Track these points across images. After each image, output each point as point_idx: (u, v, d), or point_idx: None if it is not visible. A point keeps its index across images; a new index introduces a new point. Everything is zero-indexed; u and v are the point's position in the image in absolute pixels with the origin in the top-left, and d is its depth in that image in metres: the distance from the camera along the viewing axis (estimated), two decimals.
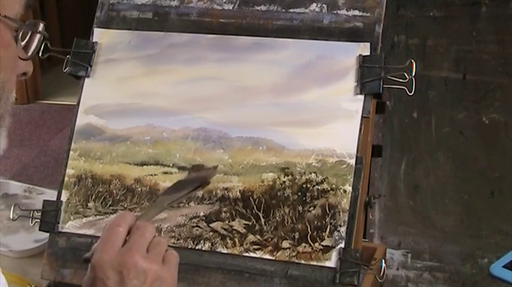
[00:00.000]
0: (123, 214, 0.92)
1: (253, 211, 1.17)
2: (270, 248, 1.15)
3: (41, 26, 0.83)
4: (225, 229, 1.17)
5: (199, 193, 1.19)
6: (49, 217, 1.25)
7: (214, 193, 1.19)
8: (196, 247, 1.18)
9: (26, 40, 0.82)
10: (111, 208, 1.23)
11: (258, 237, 1.16)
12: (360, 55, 1.19)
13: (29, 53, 0.83)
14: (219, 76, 1.24)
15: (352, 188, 1.14)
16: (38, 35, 0.83)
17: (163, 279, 0.87)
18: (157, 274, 0.86)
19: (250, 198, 1.17)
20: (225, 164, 1.20)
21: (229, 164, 1.20)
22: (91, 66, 1.29)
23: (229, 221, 1.17)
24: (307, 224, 1.14)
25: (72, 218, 1.24)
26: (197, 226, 1.18)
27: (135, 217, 0.91)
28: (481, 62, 2.10)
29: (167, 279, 0.87)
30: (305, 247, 1.14)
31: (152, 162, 1.23)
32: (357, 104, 1.17)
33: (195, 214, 1.19)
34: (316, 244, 1.13)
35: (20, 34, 0.80)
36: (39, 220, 1.26)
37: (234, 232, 1.17)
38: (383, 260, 1.18)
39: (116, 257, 0.86)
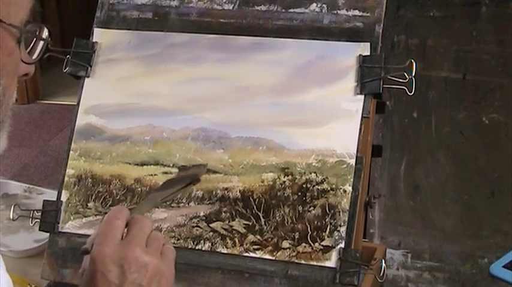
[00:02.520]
0: (119, 208, 0.93)
1: (253, 211, 1.17)
2: (270, 248, 1.15)
3: (44, 32, 0.84)
4: (225, 229, 1.17)
5: (200, 193, 1.19)
6: (49, 217, 1.25)
7: (214, 193, 1.19)
8: (196, 247, 1.17)
9: (29, 44, 0.82)
10: (111, 208, 1.22)
11: (258, 237, 1.16)
12: (360, 55, 1.19)
13: (33, 58, 0.83)
14: (219, 76, 1.24)
15: (352, 188, 1.14)
16: (42, 41, 0.83)
17: (163, 273, 0.87)
18: (157, 267, 0.87)
19: (250, 198, 1.17)
20: (225, 164, 1.20)
21: (229, 164, 1.20)
22: (91, 66, 1.29)
23: (229, 221, 1.17)
24: (307, 224, 1.14)
25: (72, 218, 1.24)
26: (197, 226, 1.18)
27: (129, 211, 0.92)
28: (481, 62, 2.10)
29: (166, 273, 0.88)
30: (305, 247, 1.14)
31: (152, 162, 1.23)
32: (357, 104, 1.17)
33: (195, 214, 1.19)
34: (316, 244, 1.13)
35: (23, 39, 0.80)
36: (39, 220, 1.26)
37: (234, 232, 1.17)
38: (383, 260, 1.18)
39: (116, 250, 0.86)
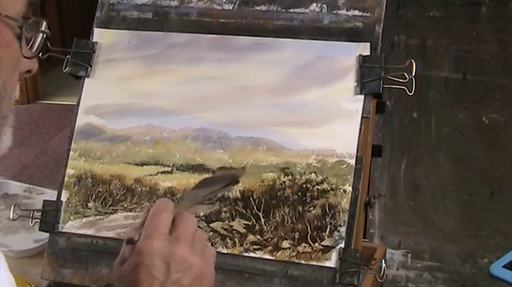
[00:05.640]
0: (165, 201, 0.89)
1: (253, 211, 1.17)
2: (270, 248, 1.15)
3: (43, 25, 0.83)
4: (225, 229, 1.17)
5: None
6: (49, 217, 1.25)
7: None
8: None
9: (29, 39, 0.82)
10: (111, 208, 1.23)
11: (258, 237, 1.16)
12: (360, 55, 1.19)
13: (33, 51, 0.83)
14: (219, 76, 1.24)
15: (352, 188, 1.14)
16: (41, 34, 0.83)
17: (205, 275, 0.86)
18: (201, 269, 0.85)
19: (250, 198, 1.17)
20: (225, 164, 1.20)
21: (229, 164, 1.20)
22: (91, 66, 1.29)
23: (229, 221, 1.17)
24: (307, 224, 1.14)
25: (72, 218, 1.24)
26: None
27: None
28: (481, 62, 2.10)
29: (208, 276, 0.87)
30: (305, 247, 1.14)
31: (152, 162, 1.23)
32: (357, 104, 1.17)
33: (195, 214, 1.19)
34: (316, 244, 1.13)
35: (23, 33, 0.80)
36: (39, 220, 1.25)
37: (234, 232, 1.17)
38: (383, 260, 1.18)
39: (165, 246, 0.84)
